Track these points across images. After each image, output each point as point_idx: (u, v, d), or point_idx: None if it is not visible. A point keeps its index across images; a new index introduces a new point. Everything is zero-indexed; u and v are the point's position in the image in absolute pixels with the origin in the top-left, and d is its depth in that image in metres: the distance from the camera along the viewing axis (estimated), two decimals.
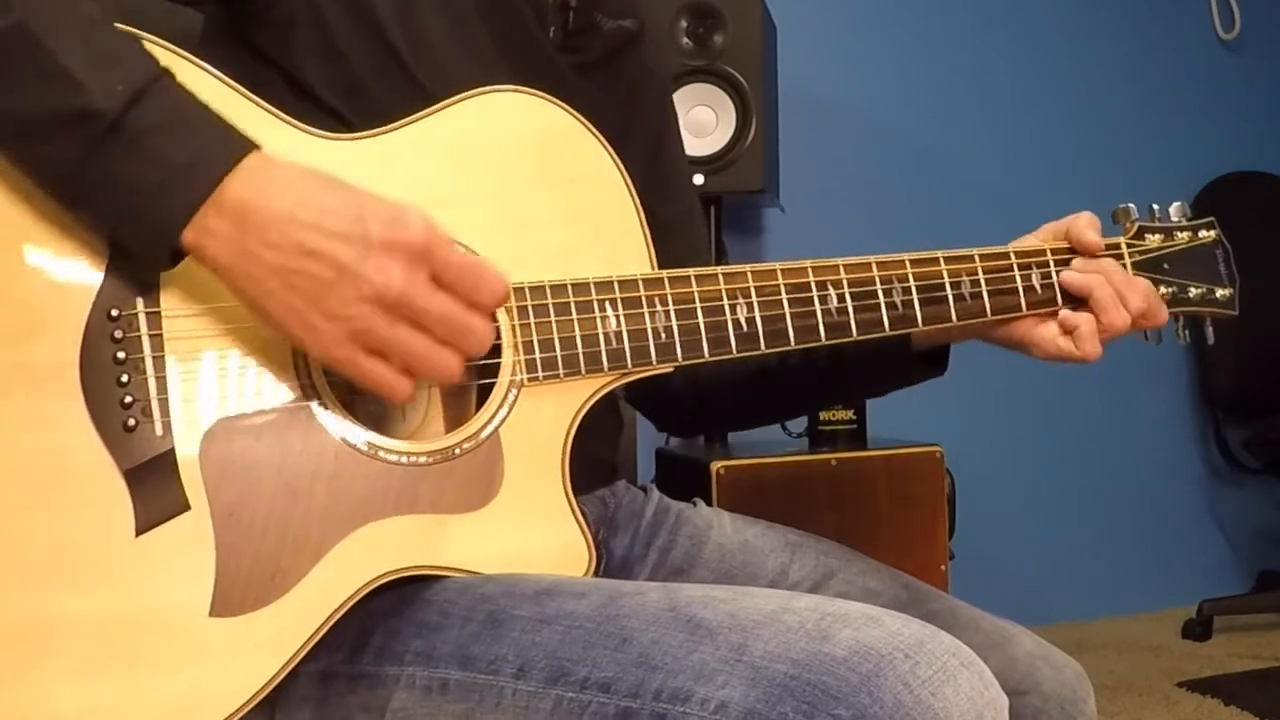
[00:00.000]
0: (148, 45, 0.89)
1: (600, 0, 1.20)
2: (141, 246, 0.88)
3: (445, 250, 0.88)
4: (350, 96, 1.04)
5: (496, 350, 0.98)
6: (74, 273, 0.88)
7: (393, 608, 0.95)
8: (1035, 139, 3.45)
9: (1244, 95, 3.70)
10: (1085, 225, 1.14)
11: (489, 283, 0.89)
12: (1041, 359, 1.14)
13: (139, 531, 0.87)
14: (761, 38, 2.61)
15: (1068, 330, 1.11)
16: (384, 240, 0.86)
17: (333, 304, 0.86)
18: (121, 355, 0.89)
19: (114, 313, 0.89)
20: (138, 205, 0.85)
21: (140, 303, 0.90)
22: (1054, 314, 1.13)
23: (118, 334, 0.89)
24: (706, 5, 2.56)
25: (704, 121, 2.56)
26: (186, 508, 0.89)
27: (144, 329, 0.89)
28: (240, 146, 0.86)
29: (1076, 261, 1.13)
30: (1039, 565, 3.42)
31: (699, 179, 2.51)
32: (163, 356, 0.89)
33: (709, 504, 1.29)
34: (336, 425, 0.93)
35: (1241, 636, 3.25)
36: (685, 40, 2.57)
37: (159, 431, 0.89)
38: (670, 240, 1.12)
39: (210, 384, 0.91)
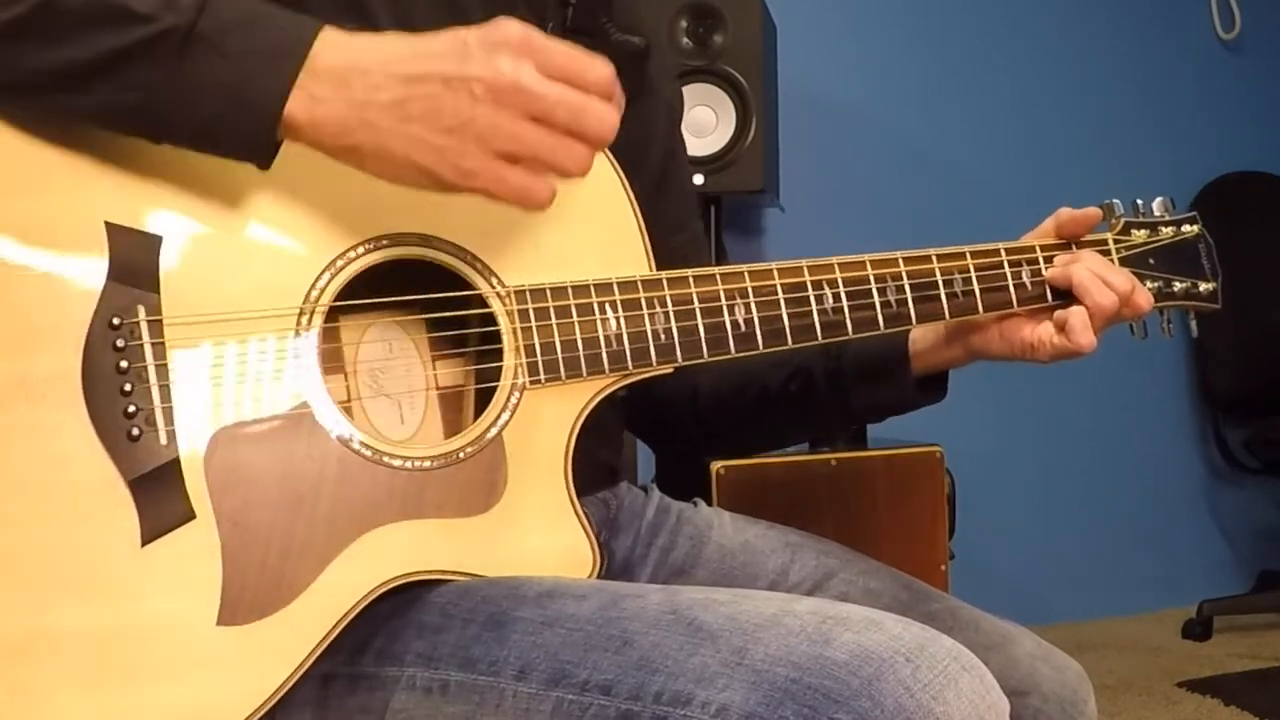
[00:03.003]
0: None
1: (606, 3, 1.19)
2: (243, 142, 0.88)
3: (544, 41, 0.87)
4: None
5: (498, 354, 0.98)
6: (74, 281, 0.88)
7: (394, 609, 0.95)
8: (1035, 139, 3.45)
9: (1244, 95, 3.70)
10: (1068, 212, 1.16)
11: (594, 64, 0.88)
12: (1046, 361, 1.14)
13: (144, 541, 0.87)
14: (761, 38, 2.61)
15: (1062, 327, 1.12)
16: (483, 42, 0.86)
17: (449, 115, 0.86)
18: (124, 364, 0.88)
19: (115, 321, 0.88)
20: (232, 101, 0.85)
21: (142, 310, 0.89)
22: (1048, 314, 1.13)
23: (119, 343, 0.88)
24: (706, 5, 2.56)
25: (704, 121, 2.56)
26: (192, 517, 0.88)
27: (146, 337, 0.89)
28: (314, 23, 0.87)
29: (1058, 258, 1.14)
30: (1039, 565, 3.42)
31: (699, 179, 2.51)
32: (165, 365, 0.89)
33: (709, 504, 1.29)
34: (339, 431, 0.93)
35: (1241, 636, 3.25)
36: (685, 40, 2.57)
37: (163, 441, 0.88)
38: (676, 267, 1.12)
39: (213, 391, 0.90)
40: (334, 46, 0.87)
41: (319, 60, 0.86)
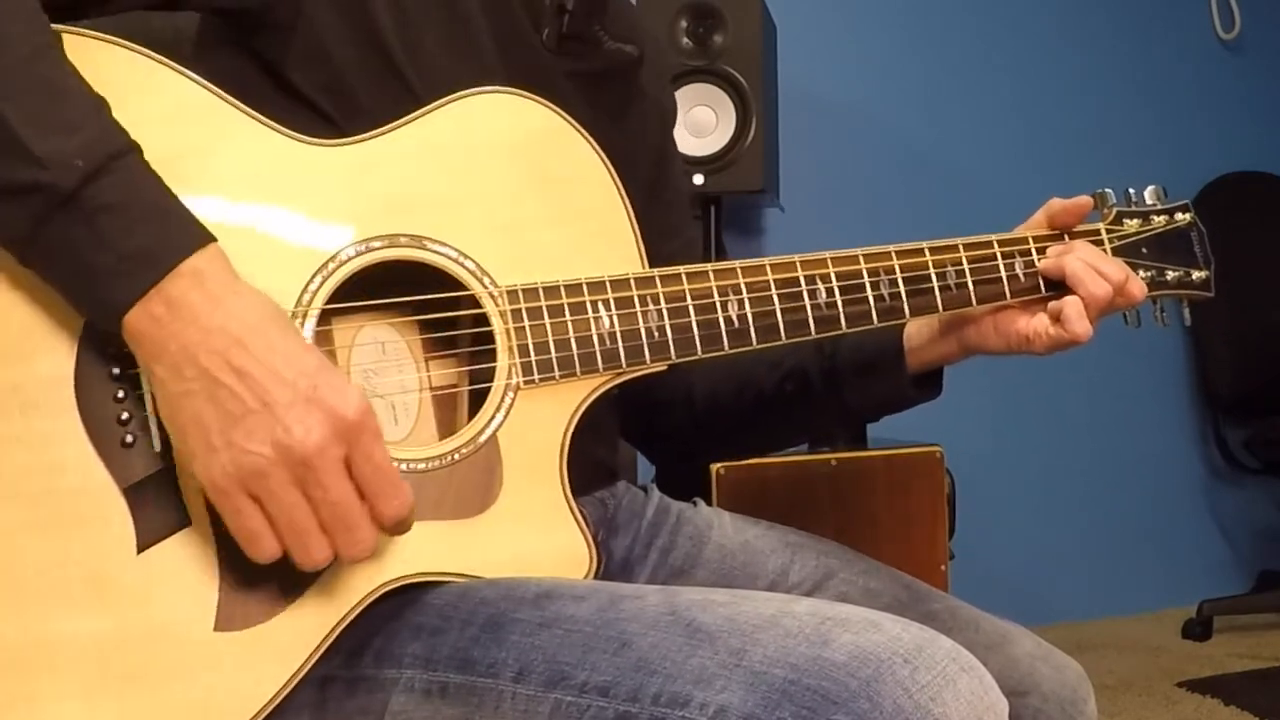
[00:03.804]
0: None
1: (601, 11, 1.18)
2: (88, 315, 0.86)
3: (373, 442, 0.84)
4: (342, 101, 1.03)
5: (491, 354, 0.98)
6: None
7: (391, 611, 0.94)
8: (1035, 139, 3.45)
9: (1244, 95, 3.70)
10: (1059, 202, 1.16)
11: (398, 496, 0.86)
12: (1043, 353, 1.14)
13: (140, 548, 0.87)
14: (761, 38, 2.61)
15: (1057, 318, 1.12)
16: (318, 399, 0.82)
17: (241, 433, 0.82)
18: (116, 371, 0.88)
19: None
20: (85, 282, 0.83)
21: None
22: (1042, 305, 1.13)
23: (112, 349, 0.87)
24: (706, 5, 2.56)
25: (704, 121, 2.56)
26: (187, 523, 0.88)
27: None
28: (197, 239, 0.84)
29: (1050, 249, 1.14)
30: (1039, 565, 3.42)
31: (699, 179, 2.51)
32: None
33: (709, 504, 1.29)
34: None
35: (1241, 636, 3.25)
36: (685, 40, 2.57)
37: (157, 447, 0.88)
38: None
39: None
40: (200, 278, 0.83)
41: (179, 284, 0.82)
